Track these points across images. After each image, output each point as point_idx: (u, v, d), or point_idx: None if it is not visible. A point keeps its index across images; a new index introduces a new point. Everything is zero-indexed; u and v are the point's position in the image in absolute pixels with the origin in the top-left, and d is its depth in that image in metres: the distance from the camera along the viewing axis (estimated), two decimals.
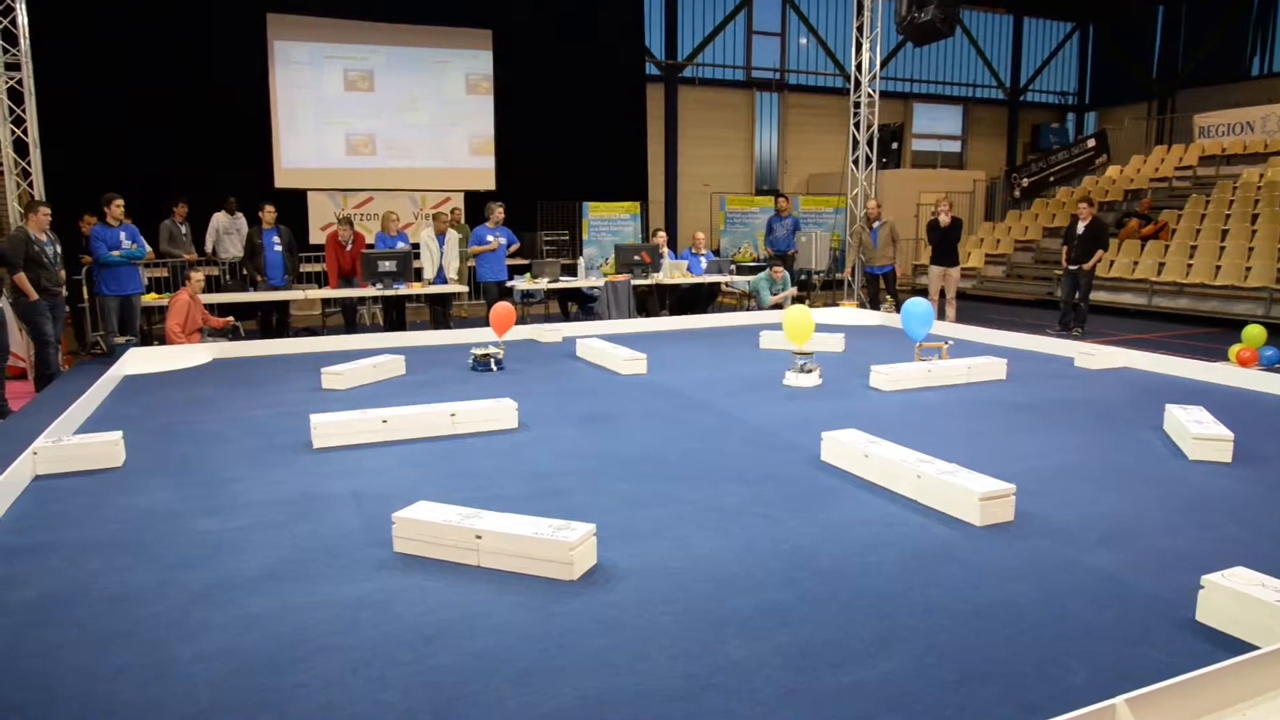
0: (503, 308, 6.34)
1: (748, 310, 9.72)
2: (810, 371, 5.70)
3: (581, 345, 6.64)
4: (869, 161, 11.37)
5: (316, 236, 12.19)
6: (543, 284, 9.09)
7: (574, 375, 5.82)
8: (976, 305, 11.98)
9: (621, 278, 9.22)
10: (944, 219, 9.30)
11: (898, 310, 8.39)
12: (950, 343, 5.99)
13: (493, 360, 6.19)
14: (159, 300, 7.54)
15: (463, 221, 11.85)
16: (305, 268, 11.27)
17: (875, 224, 9.96)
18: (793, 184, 17.54)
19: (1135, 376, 5.66)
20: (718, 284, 10.69)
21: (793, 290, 9.53)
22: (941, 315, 8.96)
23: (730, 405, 4.80)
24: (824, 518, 3.06)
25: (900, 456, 3.37)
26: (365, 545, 2.82)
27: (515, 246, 9.31)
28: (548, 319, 9.69)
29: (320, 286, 9.84)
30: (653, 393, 5.20)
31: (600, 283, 9.31)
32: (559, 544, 2.58)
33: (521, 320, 9.30)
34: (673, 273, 9.64)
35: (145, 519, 3.06)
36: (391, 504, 3.11)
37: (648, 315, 9.58)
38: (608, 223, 13.28)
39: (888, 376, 5.22)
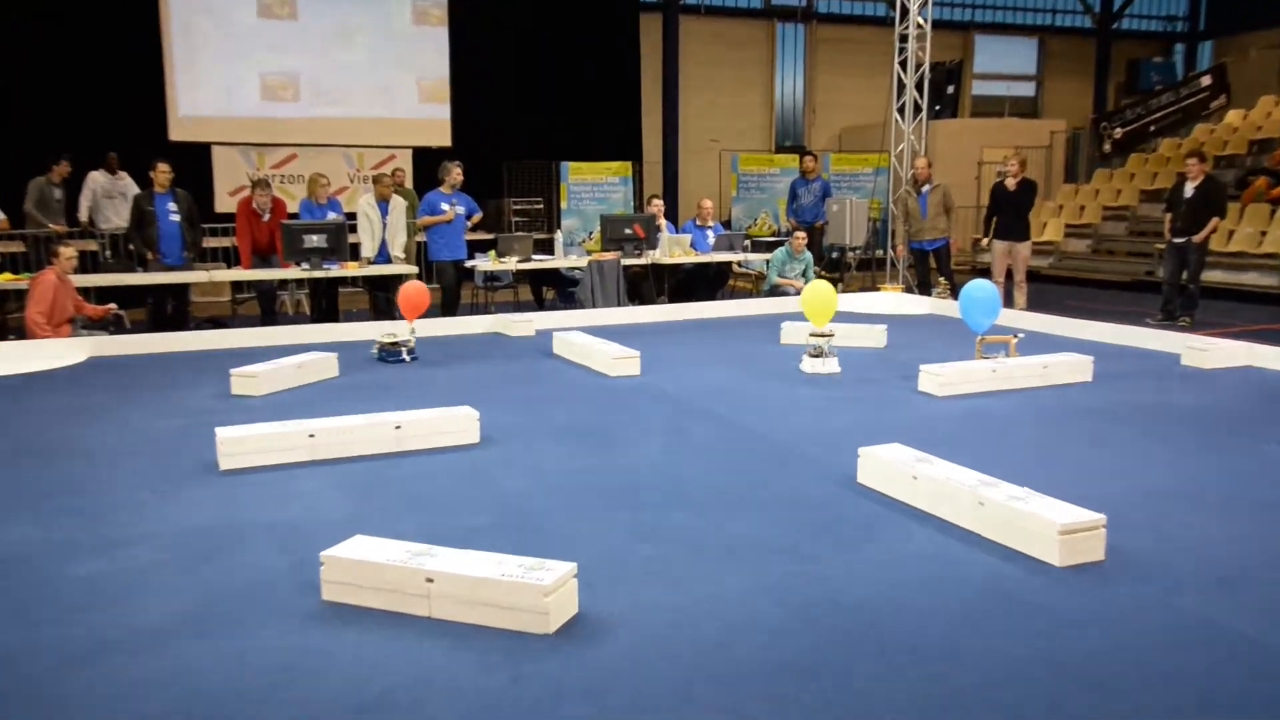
0: (414, 288, 6.48)
1: (766, 295, 9.76)
2: (828, 357, 5.91)
3: (559, 340, 6.71)
4: (918, 110, 11.43)
5: (224, 204, 12.14)
6: (511, 264, 9.11)
7: (550, 377, 5.91)
8: (1054, 289, 12.08)
9: (609, 256, 9.25)
10: (1012, 181, 9.38)
11: (954, 296, 8.43)
12: (1020, 335, 6.03)
13: (404, 349, 6.25)
14: (17, 282, 7.31)
15: (410, 186, 11.86)
16: (210, 242, 11.25)
17: (925, 188, 10.03)
18: (822, 139, 17.61)
19: (1261, 378, 5.70)
20: (728, 264, 10.78)
21: (797, 283, 9.57)
22: (1009, 301, 9.02)
23: (745, 415, 4.85)
24: (862, 554, 3.06)
25: (958, 478, 3.37)
26: (286, 592, 2.81)
27: (476, 217, 9.33)
28: (517, 308, 9.73)
29: (229, 266, 9.89)
30: (648, 399, 5.25)
31: (582, 263, 9.35)
32: (531, 588, 2.57)
33: (484, 308, 9.32)
34: (673, 250, 9.70)
35: (1, 564, 3.04)
36: (320, 539, 3.10)
37: (641, 303, 9.63)
38: (592, 188, 13.32)
39: (941, 378, 5.26)
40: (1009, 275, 9.48)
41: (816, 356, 5.98)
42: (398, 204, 9.09)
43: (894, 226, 11.52)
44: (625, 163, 13.59)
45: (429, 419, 4.29)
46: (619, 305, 9.03)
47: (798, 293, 9.20)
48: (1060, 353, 5.87)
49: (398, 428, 4.21)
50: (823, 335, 6.10)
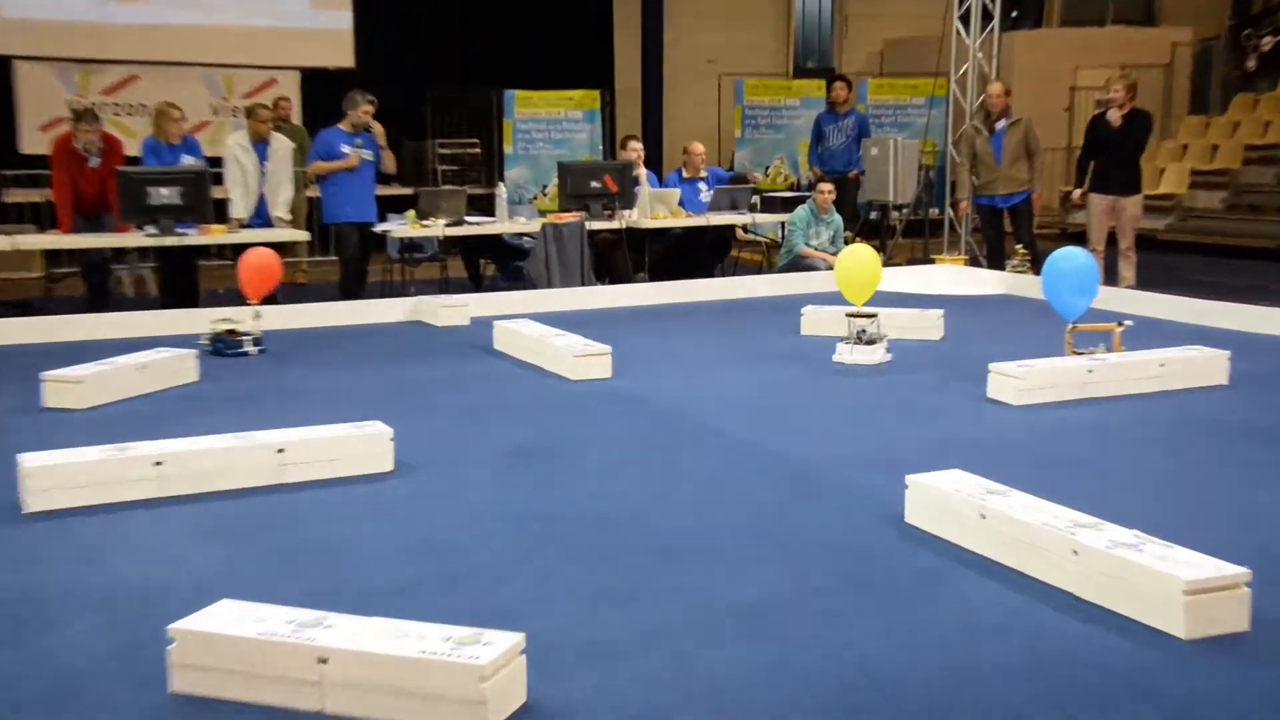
0: (258, 256, 6.55)
1: (783, 270, 9.81)
2: (873, 343, 6.04)
3: (503, 331, 6.79)
4: (987, 18, 11.52)
5: (33, 143, 11.97)
6: (437, 229, 9.11)
7: (490, 382, 5.96)
8: (1174, 259, 12.21)
9: (569, 217, 9.29)
10: (1117, 114, 9.51)
11: (1035, 270, 8.51)
12: (1127, 323, 6.10)
13: (248, 340, 6.30)
14: None
15: (298, 122, 11.80)
16: (13, 196, 11.12)
17: (1000, 124, 10.14)
18: (858, 59, 17.73)
19: None
20: (730, 228, 10.83)
21: (827, 255, 9.68)
22: (1111, 276, 9.12)
23: (753, 430, 4.89)
24: (913, 624, 3.05)
25: (1043, 517, 3.38)
26: (118, 684, 2.76)
27: (389, 163, 9.29)
28: (445, 288, 9.73)
29: (42, 230, 9.85)
30: (623, 411, 5.30)
31: (534, 226, 9.39)
32: (463, 669, 2.55)
33: (400, 289, 9.30)
34: (655, 210, 9.77)
35: None
36: (168, 608, 3.06)
37: (613, 281, 9.64)
38: (546, 126, 13.37)
39: (1019, 382, 5.34)
40: (1111, 240, 9.61)
41: (856, 343, 6.02)
42: (281, 146, 9.04)
43: (955, 176, 11.64)
44: (591, 91, 13.62)
45: (324, 440, 4.27)
46: (583, 284, 9.06)
47: (829, 267, 9.27)
48: (1183, 346, 5.94)
49: (280, 452, 4.19)
50: (863, 315, 6.21)
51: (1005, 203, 10.14)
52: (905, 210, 11.90)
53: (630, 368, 6.10)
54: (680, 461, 4.44)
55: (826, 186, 10.01)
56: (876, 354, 6.14)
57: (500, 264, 10.41)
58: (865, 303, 6.45)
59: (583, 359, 5.93)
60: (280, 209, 8.94)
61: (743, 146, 14.76)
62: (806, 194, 10.70)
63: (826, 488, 4.11)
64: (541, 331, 6.48)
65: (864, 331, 6.25)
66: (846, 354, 6.18)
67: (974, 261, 10.61)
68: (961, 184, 10.93)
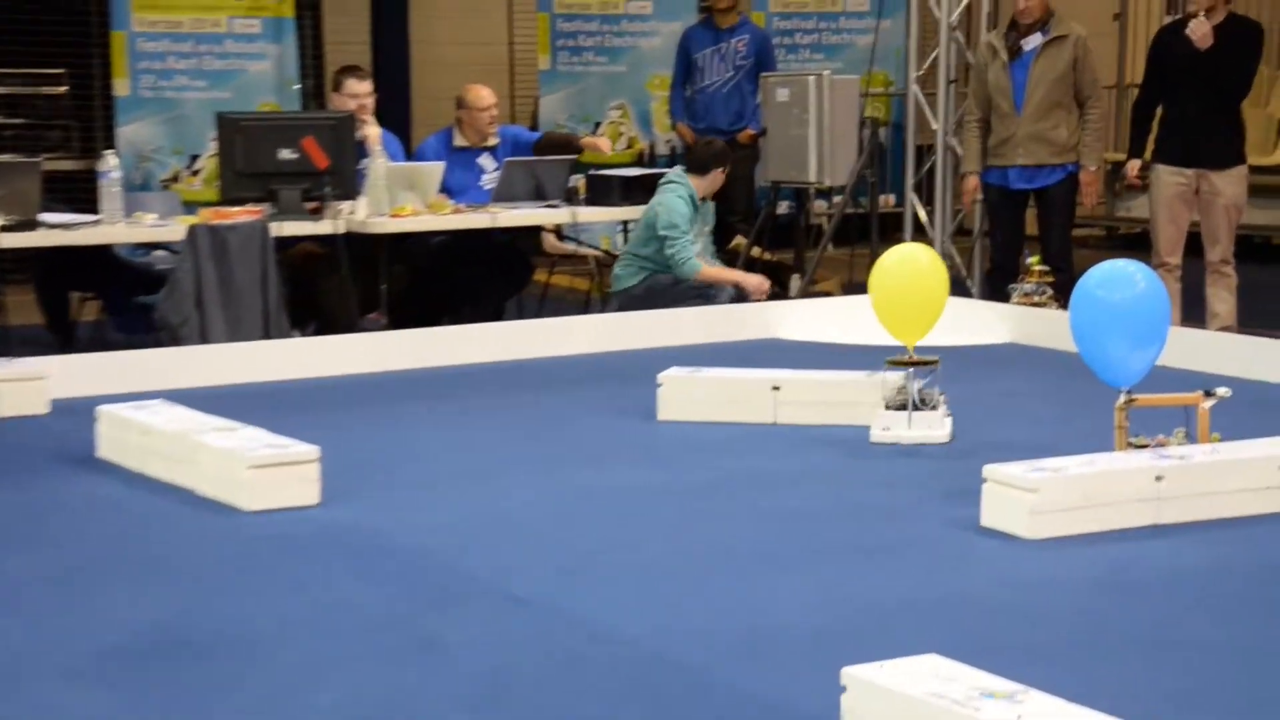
0: None
1: (628, 305, 9.91)
2: (934, 407, 6.38)
3: (115, 424, 6.74)
4: None
5: None
6: None
7: (90, 519, 5.97)
8: None
9: (240, 214, 9.20)
10: (1203, 25, 9.57)
11: (1063, 301, 8.75)
12: (1221, 393, 6.26)
13: None
14: None
15: None
16: None
17: (1031, 41, 10.33)
18: None
19: None
20: (534, 231, 10.94)
21: (749, 278, 10.02)
22: (1195, 309, 9.48)
23: (572, 588, 4.98)
24: None
25: None
26: None
27: None
28: (2, 344, 9.51)
29: None
30: (340, 562, 5.32)
31: (174, 231, 9.24)
32: None
33: None
34: (399, 199, 9.71)
35: None
36: None
37: (324, 327, 9.61)
38: (195, 43, 13.19)
39: (1033, 496, 5.44)
40: (1194, 248, 9.96)
41: (911, 408, 6.36)
42: None
43: (938, 139, 11.74)
44: None
45: None
46: (267, 335, 8.97)
47: (761, 296, 9.53)
48: None
49: None
50: (920, 363, 6.49)
51: (1027, 181, 10.45)
52: (838, 199, 12.13)
53: (354, 485, 6.09)
54: (438, 656, 4.39)
55: (704, 167, 10.17)
56: (940, 428, 6.36)
57: (111, 300, 10.20)
58: (918, 340, 6.64)
59: (264, 471, 5.88)
60: None
61: (554, 87, 14.84)
62: (665, 169, 10.75)
63: (709, 697, 4.09)
64: (189, 423, 6.41)
65: (922, 391, 6.42)
66: (899, 427, 6.33)
67: (959, 286, 10.86)
68: (970, 149, 10.92)
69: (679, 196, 9.98)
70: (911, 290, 6.71)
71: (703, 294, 9.85)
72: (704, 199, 10.11)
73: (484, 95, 10.83)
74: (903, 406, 6.57)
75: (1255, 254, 11.83)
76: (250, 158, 9.48)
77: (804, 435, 6.98)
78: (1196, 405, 6.07)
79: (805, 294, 10.98)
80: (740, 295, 9.98)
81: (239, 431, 6.27)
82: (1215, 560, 5.27)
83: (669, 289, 9.89)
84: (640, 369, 7.87)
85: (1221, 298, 9.72)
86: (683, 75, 12.23)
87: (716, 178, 10.12)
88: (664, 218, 9.93)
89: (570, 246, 11.22)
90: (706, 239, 10.23)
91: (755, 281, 10.04)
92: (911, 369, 6.65)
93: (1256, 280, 10.17)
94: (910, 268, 6.78)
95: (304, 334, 9.67)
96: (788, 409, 7.18)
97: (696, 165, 10.13)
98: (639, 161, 13.99)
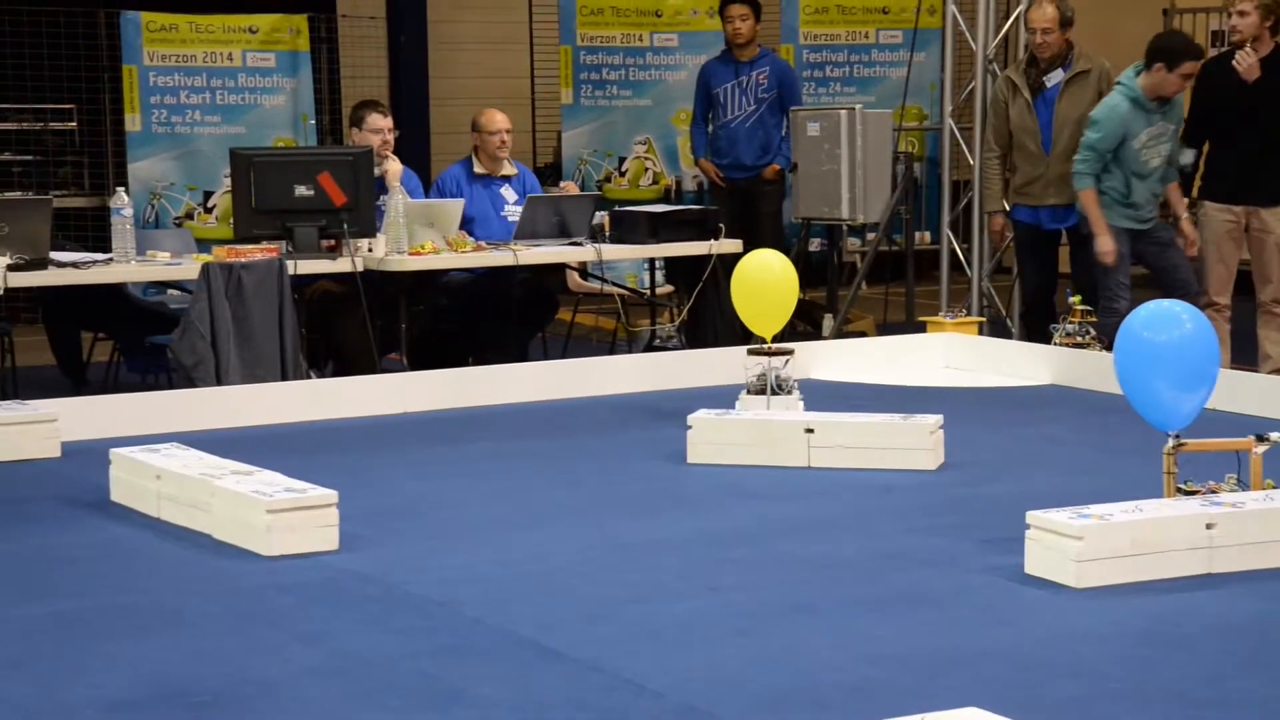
0: None
1: (666, 343, 9.90)
2: (789, 391, 6.82)
3: (128, 467, 6.76)
4: None
5: None
6: None
7: (100, 562, 5.97)
8: None
9: (255, 253, 9.19)
10: (1250, 58, 9.52)
11: (1107, 344, 8.72)
12: (1275, 437, 6.20)
13: None
14: None
15: None
16: None
17: (1054, 77, 10.32)
18: None
19: None
20: (560, 269, 10.87)
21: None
22: (1247, 350, 9.45)
23: (599, 639, 4.96)
24: None
25: None
26: None
27: None
28: (10, 386, 9.55)
29: None
30: (359, 611, 5.30)
31: (188, 270, 9.21)
32: None
33: None
34: (419, 237, 9.70)
35: None
36: None
37: (343, 367, 9.61)
38: (208, 77, 13.20)
39: (1079, 544, 5.39)
40: (1244, 287, 9.94)
41: (770, 392, 6.46)
42: None
43: (980, 172, 11.69)
44: (292, 16, 13.58)
45: None
46: (285, 375, 8.95)
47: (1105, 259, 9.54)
48: None
49: None
50: (771, 352, 6.78)
51: (1059, 221, 10.40)
52: (872, 236, 12.10)
53: (373, 531, 6.12)
54: (463, 710, 4.33)
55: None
56: (795, 406, 6.55)
57: (123, 340, 10.21)
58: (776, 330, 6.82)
59: (283, 515, 5.86)
60: None
61: (577, 121, 14.85)
62: (693, 206, 10.75)
63: None
64: (205, 465, 6.40)
65: (766, 376, 6.51)
66: (758, 408, 6.35)
67: (998, 326, 10.83)
68: (992, 187, 10.93)
69: (1115, 100, 9.72)
70: (766, 290, 7.26)
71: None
72: (1157, 99, 9.67)
73: (496, 119, 10.77)
74: (762, 391, 6.85)
75: None
76: (265, 194, 9.46)
77: (838, 479, 6.96)
78: (1249, 450, 6.01)
79: (839, 334, 10.93)
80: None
81: (255, 475, 6.27)
82: (1268, 612, 5.21)
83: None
84: (674, 407, 7.86)
85: (1274, 339, 9.72)
86: (704, 110, 12.17)
87: (1158, 75, 9.57)
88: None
89: (595, 285, 11.17)
90: (1167, 145, 9.84)
91: (1105, 245, 9.69)
92: (761, 358, 7.09)
93: None
94: (765, 273, 7.36)
95: (322, 375, 9.65)
96: (821, 452, 7.14)
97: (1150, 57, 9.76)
98: (665, 198, 13.96)
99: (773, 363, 7.15)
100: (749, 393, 7.12)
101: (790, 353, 7.30)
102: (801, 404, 7.54)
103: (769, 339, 7.43)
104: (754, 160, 11.85)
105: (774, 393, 6.91)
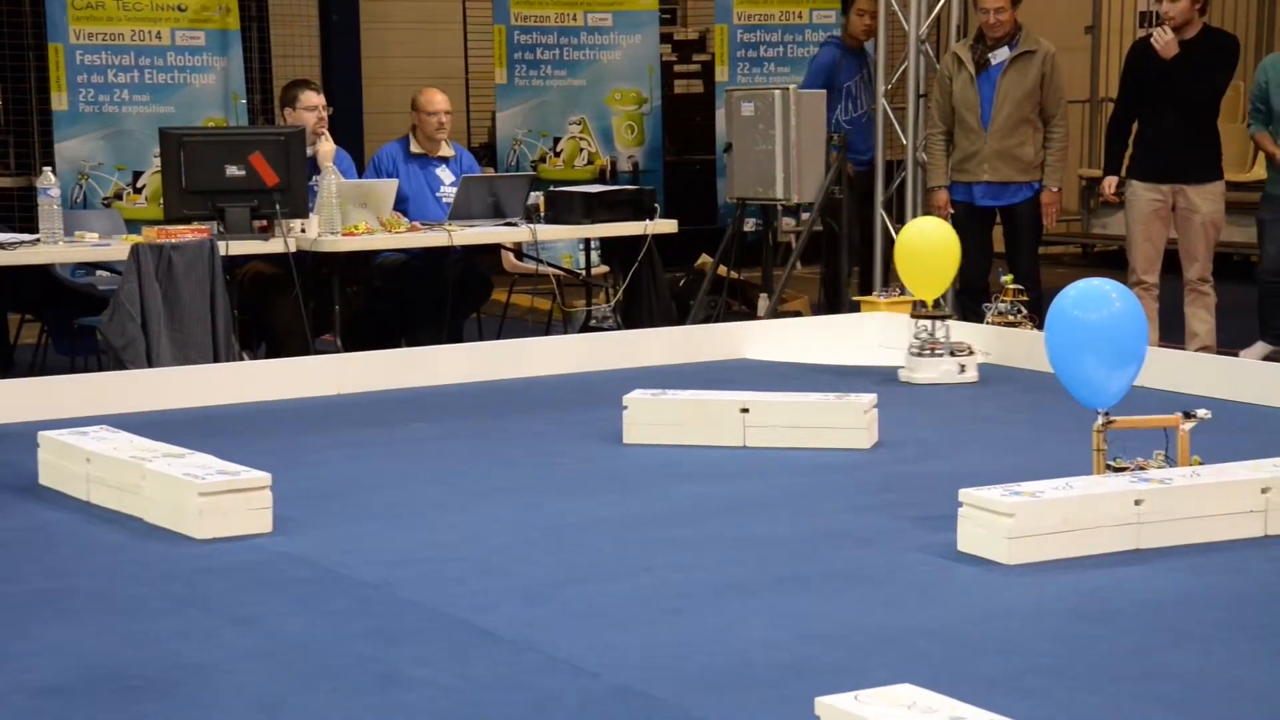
0: None
1: (601, 324, 9.93)
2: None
3: (56, 450, 6.72)
4: None
5: None
6: None
7: (26, 547, 5.97)
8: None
9: (186, 233, 9.15)
10: (1166, 38, 9.60)
11: (1037, 321, 8.83)
12: (1202, 414, 6.25)
13: None
14: None
15: None
16: None
17: (999, 55, 10.39)
18: None
19: None
20: (494, 250, 10.93)
21: None
22: (1174, 329, 9.53)
23: (533, 618, 4.97)
24: None
25: None
26: None
27: None
28: None
29: None
30: (293, 593, 5.30)
31: (117, 251, 9.18)
32: None
33: None
34: (352, 217, 9.63)
35: None
36: None
37: (275, 349, 9.60)
38: (136, 55, 13.07)
39: (1010, 520, 5.46)
40: (1172, 266, 10.00)
41: (929, 353, 6.23)
42: None
43: (908, 153, 11.72)
44: None
45: None
46: (217, 357, 8.92)
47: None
48: None
49: None
50: (933, 316, 6.95)
51: (996, 198, 10.50)
52: (806, 216, 12.11)
53: (307, 513, 6.12)
54: (399, 692, 4.35)
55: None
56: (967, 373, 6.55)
57: (52, 322, 10.14)
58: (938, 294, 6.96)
59: (216, 498, 5.85)
60: None
61: (511, 101, 14.81)
62: (628, 186, 10.70)
63: (666, 715, 4.13)
64: (135, 448, 6.39)
65: (930, 337, 6.65)
66: (919, 370, 6.54)
67: (935, 310, 10.89)
68: (936, 163, 10.98)
69: None
70: (922, 251, 7.75)
71: None
72: None
73: (435, 100, 10.75)
74: (923, 352, 6.97)
75: (1235, 272, 11.86)
76: (195, 174, 9.41)
77: (774, 459, 7.01)
78: (1176, 427, 6.07)
79: (774, 313, 10.98)
80: None
81: (187, 458, 6.25)
82: (1196, 587, 5.29)
83: None
84: (607, 389, 7.90)
85: (1200, 317, 9.78)
86: (830, 102, 12.04)
87: None
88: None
89: (530, 265, 11.15)
90: None
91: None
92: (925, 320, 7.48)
93: (1236, 299, 10.20)
94: (922, 236, 7.93)
95: (254, 356, 9.63)
96: (757, 431, 7.20)
97: None
98: (600, 178, 13.93)
99: (929, 326, 7.32)
100: (911, 354, 7.35)
101: (949, 316, 7.51)
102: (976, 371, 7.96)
103: (929, 303, 7.60)
104: (868, 152, 12.02)
105: (933, 352, 6.87)
